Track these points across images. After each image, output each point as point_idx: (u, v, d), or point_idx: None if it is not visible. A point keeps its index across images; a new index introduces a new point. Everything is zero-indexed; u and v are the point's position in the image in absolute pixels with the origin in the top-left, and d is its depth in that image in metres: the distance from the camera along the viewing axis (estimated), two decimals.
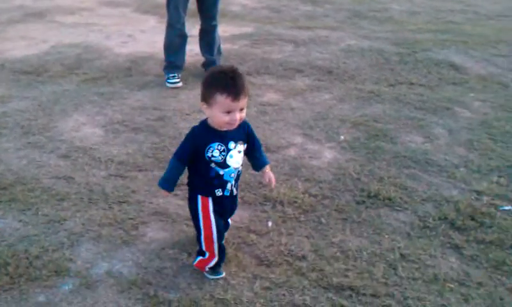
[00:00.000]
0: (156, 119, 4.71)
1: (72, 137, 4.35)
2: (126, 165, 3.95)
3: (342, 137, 4.45)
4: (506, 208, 3.51)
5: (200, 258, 2.84)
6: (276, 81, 5.80)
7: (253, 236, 3.21)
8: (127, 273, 2.87)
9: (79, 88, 5.47)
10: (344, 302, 2.69)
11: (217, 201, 2.73)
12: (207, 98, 2.55)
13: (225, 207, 2.81)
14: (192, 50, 6.15)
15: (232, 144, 2.65)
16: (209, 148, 2.61)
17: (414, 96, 5.41)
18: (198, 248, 2.87)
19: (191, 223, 2.89)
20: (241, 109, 2.56)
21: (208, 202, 2.72)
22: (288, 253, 3.06)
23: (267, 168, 2.93)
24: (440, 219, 3.39)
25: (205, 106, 2.59)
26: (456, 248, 3.14)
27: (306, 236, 3.21)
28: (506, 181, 3.82)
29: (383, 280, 2.86)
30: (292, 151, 4.23)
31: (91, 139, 4.32)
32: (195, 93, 5.37)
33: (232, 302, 2.68)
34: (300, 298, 2.71)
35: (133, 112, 4.88)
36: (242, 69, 6.11)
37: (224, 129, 2.62)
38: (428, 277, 2.89)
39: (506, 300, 2.76)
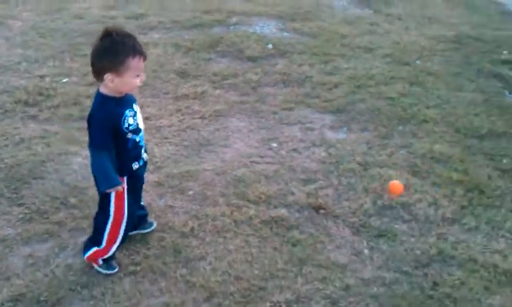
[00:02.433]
0: None
1: None
2: None
3: None
4: (64, 80, 4.52)
5: (95, 248, 2.58)
6: None
7: None
8: None
9: None
10: None
11: (132, 177, 2.51)
12: (116, 66, 2.27)
13: (140, 178, 2.62)
14: None
15: (135, 106, 2.46)
16: (124, 118, 2.37)
17: None
18: (91, 236, 2.65)
19: None
20: None
21: (123, 182, 2.47)
22: None
23: None
24: (15, 102, 4.16)
25: (111, 77, 2.29)
26: (33, 117, 3.99)
27: None
28: (59, 63, 4.85)
29: None
30: None
31: None
32: None
33: None
34: None
35: None
36: None
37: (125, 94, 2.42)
38: (16, 141, 3.67)
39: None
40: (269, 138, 3.82)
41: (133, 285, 2.55)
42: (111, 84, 2.32)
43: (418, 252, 2.82)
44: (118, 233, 2.54)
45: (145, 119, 3.97)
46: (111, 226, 2.52)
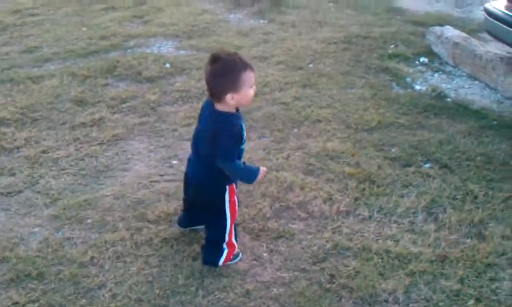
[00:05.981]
0: None
1: None
2: None
3: None
4: None
5: (225, 254, 2.79)
6: None
7: None
8: None
9: None
10: None
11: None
12: (234, 84, 2.53)
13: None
14: None
15: None
16: (243, 130, 2.67)
17: None
18: (211, 248, 2.81)
19: None
20: None
21: (234, 189, 2.77)
22: None
23: None
24: None
25: (231, 95, 2.55)
26: None
27: None
28: None
29: None
30: None
31: None
32: None
33: None
34: None
35: None
36: None
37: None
38: None
39: None
40: (169, 156, 3.84)
41: None
42: (232, 102, 2.58)
43: (315, 248, 2.93)
44: (234, 233, 2.81)
45: (42, 152, 3.92)
46: (230, 229, 2.77)
